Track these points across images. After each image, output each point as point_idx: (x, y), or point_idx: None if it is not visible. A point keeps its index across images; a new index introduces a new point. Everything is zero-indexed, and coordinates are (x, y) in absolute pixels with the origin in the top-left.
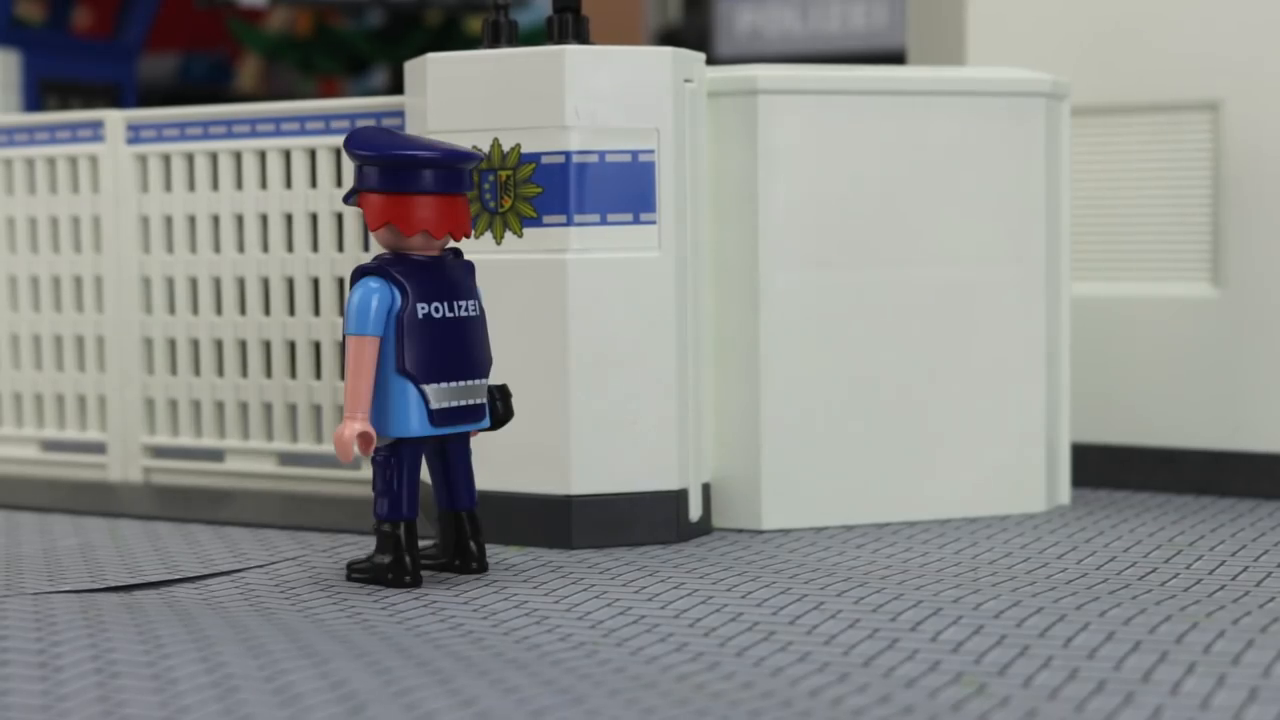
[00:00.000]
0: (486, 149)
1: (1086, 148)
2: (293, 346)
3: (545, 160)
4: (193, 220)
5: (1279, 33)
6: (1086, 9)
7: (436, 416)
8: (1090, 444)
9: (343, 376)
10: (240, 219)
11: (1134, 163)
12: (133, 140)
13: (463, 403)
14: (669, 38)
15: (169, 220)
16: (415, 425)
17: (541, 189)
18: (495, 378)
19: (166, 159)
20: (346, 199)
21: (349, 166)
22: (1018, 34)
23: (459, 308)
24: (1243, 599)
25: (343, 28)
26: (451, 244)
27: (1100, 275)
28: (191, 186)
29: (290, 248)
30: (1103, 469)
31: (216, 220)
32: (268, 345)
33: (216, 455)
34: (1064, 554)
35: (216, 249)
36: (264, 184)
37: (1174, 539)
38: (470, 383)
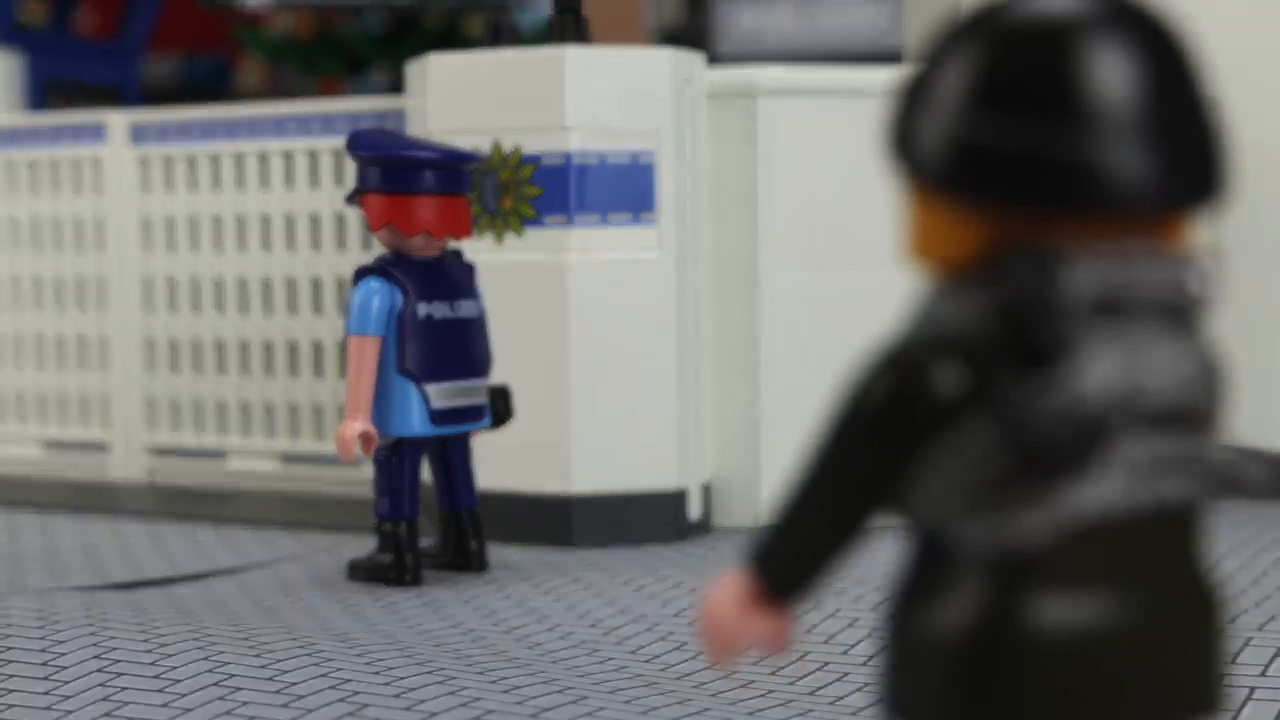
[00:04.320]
0: (487, 150)
1: None
2: (294, 347)
3: (546, 161)
4: (195, 221)
5: (1279, 31)
6: None
7: (437, 416)
8: None
9: (344, 376)
10: (242, 220)
11: None
12: (135, 141)
13: (463, 403)
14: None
15: (171, 221)
16: (416, 425)
17: (542, 190)
18: (496, 378)
19: (169, 160)
20: (348, 200)
21: (350, 167)
22: None
23: (460, 308)
24: (1239, 597)
25: (344, 29)
26: (452, 244)
27: None
28: (194, 187)
29: (292, 248)
30: None
31: (218, 221)
32: (269, 345)
33: (218, 455)
34: None
35: (219, 249)
36: (266, 185)
37: None
38: (471, 383)
